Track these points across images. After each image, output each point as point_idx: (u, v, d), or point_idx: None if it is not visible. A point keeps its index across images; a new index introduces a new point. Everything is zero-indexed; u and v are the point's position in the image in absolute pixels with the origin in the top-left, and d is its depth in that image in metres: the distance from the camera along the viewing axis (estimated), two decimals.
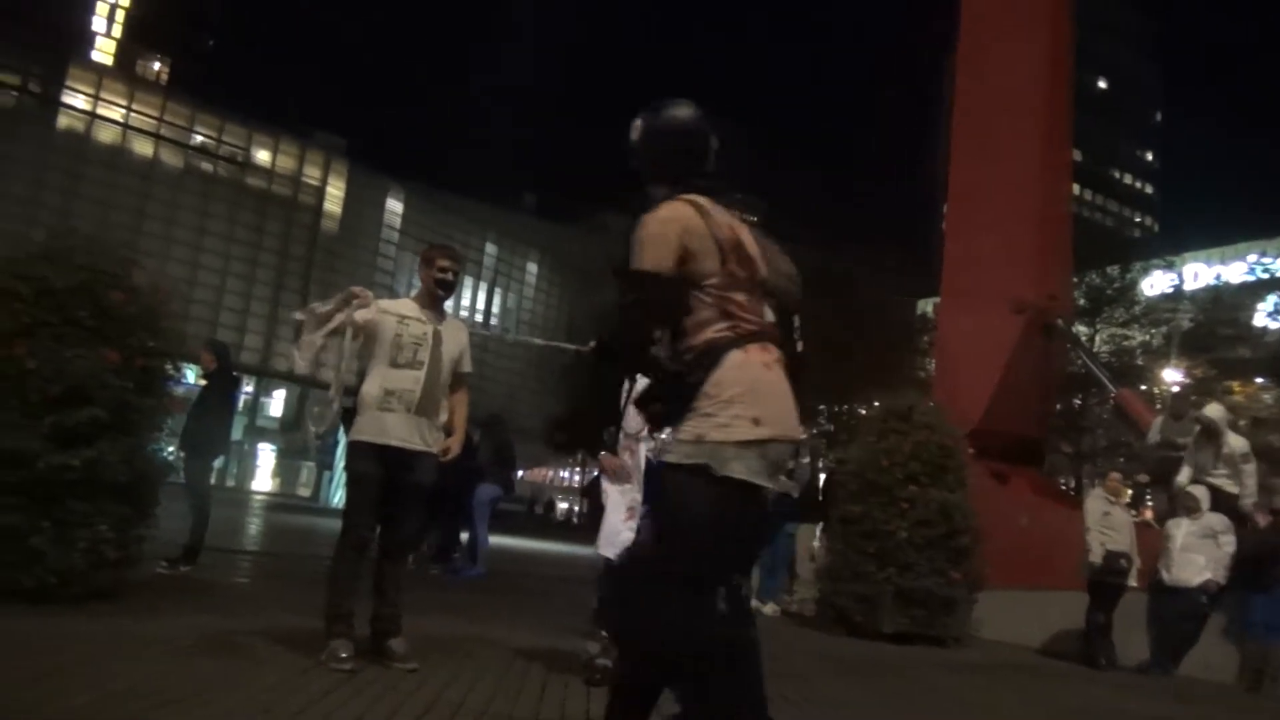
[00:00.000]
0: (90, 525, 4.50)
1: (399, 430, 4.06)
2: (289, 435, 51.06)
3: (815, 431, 34.73)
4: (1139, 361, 30.92)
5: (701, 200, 2.37)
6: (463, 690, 3.72)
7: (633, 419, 4.51)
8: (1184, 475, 8.22)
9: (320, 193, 57.26)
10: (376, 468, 4.06)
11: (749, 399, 2.23)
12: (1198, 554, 7.57)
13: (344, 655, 3.80)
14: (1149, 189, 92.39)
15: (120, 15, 71.91)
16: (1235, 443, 8.28)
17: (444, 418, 4.30)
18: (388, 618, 4.10)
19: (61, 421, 4.45)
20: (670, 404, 2.29)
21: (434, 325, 4.24)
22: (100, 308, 4.71)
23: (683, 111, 2.53)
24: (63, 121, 50.45)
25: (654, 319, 2.32)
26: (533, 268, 67.30)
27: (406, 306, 4.29)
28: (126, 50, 70.11)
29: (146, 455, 4.88)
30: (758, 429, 2.21)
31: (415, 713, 3.28)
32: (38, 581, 4.36)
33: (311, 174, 57.34)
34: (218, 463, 8.07)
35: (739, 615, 2.92)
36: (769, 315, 2.46)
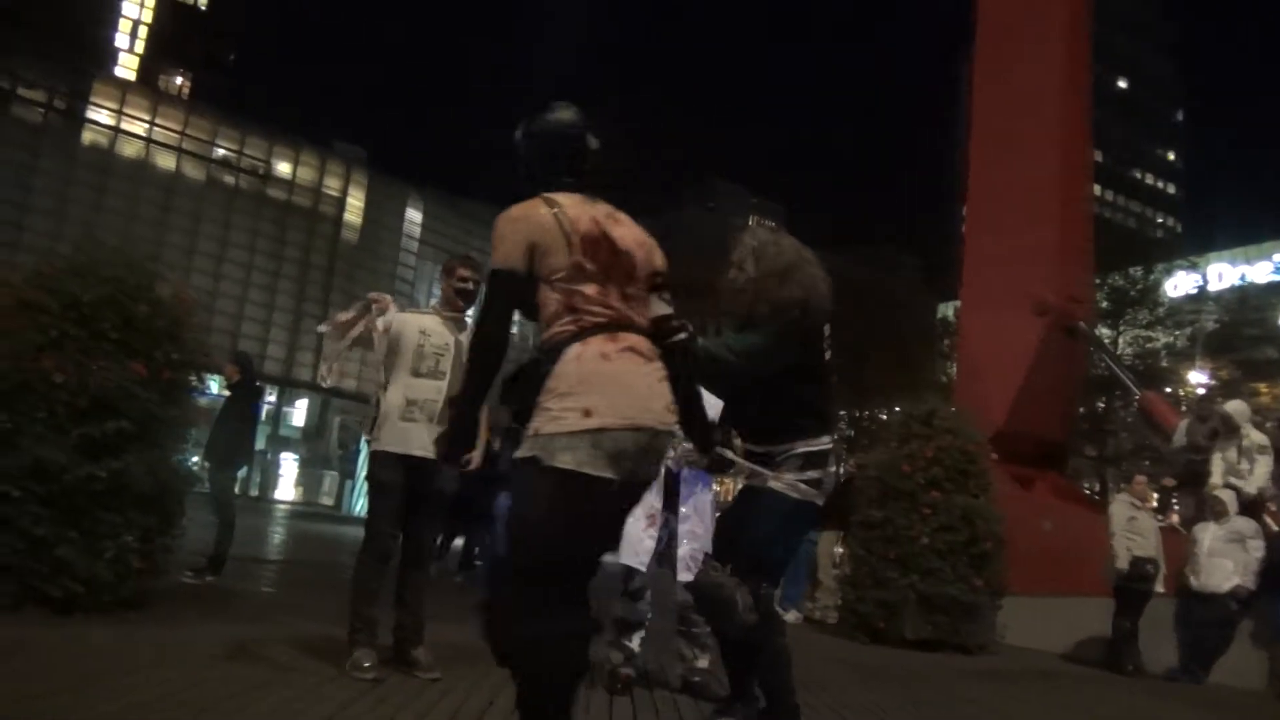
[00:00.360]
0: (116, 536, 4.55)
1: (421, 440, 4.08)
2: (311, 443, 51.42)
3: (836, 437, 34.57)
4: (1164, 363, 30.60)
5: (560, 197, 2.43)
6: (485, 699, 3.72)
7: None
8: (1217, 475, 8.12)
9: (341, 203, 57.65)
10: (399, 477, 4.08)
11: (581, 390, 2.24)
12: (1226, 559, 7.48)
13: (367, 664, 3.82)
14: (1171, 189, 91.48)
15: (143, 31, 72.87)
16: (1255, 436, 8.19)
17: None
18: (410, 626, 4.11)
19: (88, 433, 4.51)
20: (525, 399, 2.31)
21: (455, 335, 4.27)
22: (126, 320, 4.77)
23: (558, 115, 2.60)
24: (87, 137, 51.06)
25: (506, 315, 2.38)
26: None
27: (428, 317, 4.33)
28: (149, 65, 71.04)
29: (172, 466, 4.93)
30: (587, 419, 2.21)
31: None
32: (64, 591, 4.41)
33: (332, 185, 57.73)
34: (241, 472, 8.15)
35: (768, 621, 2.91)
36: (656, 308, 2.49)
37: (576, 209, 2.42)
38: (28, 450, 4.43)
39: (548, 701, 2.24)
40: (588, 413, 2.22)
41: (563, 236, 2.36)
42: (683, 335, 2.47)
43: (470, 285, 4.40)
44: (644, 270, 2.47)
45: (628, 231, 2.48)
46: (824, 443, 3.09)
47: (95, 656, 3.68)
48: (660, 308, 2.50)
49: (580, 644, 2.24)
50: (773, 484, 3.01)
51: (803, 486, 3.00)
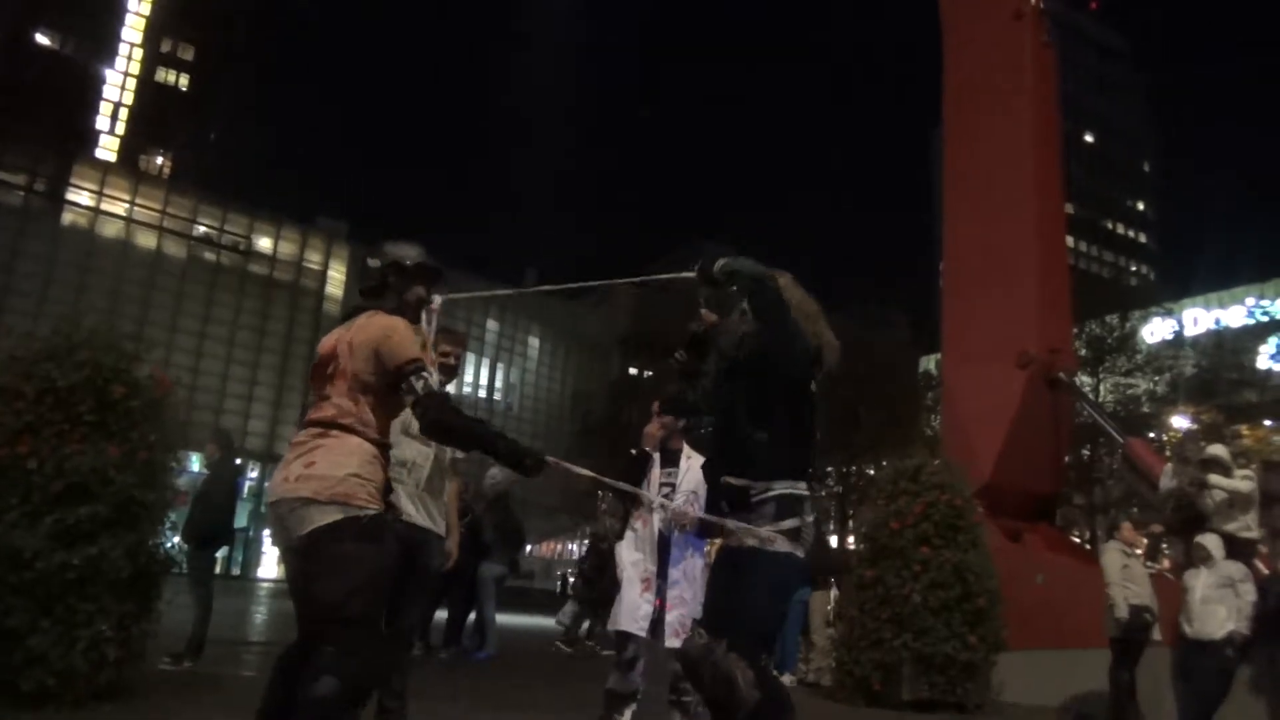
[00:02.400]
0: (91, 624, 4.44)
1: (408, 506, 3.96)
2: None
3: (823, 494, 34.48)
4: (1145, 409, 30.79)
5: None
6: None
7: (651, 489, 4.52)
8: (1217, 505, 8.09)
9: (323, 276, 57.90)
10: None
11: None
12: (1219, 605, 7.41)
13: None
14: (1143, 238, 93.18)
15: (124, 113, 73.65)
16: (1239, 477, 8.20)
17: (445, 500, 4.26)
18: (393, 710, 4.00)
19: (63, 519, 4.43)
20: None
21: None
22: (103, 402, 4.73)
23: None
24: (68, 218, 51.29)
25: None
26: (535, 342, 67.53)
27: None
28: (129, 146, 71.62)
29: (150, 549, 4.84)
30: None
31: None
32: (36, 684, 4.28)
33: (313, 259, 58.03)
34: (222, 552, 8.01)
35: (774, 698, 2.82)
36: (338, 396, 2.88)
37: (325, 339, 3.02)
38: (1, 538, 4.34)
39: None
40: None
41: None
42: (415, 409, 2.83)
43: (451, 359, 4.39)
44: (346, 366, 2.88)
45: (346, 336, 2.94)
46: (800, 488, 2.99)
47: None
48: (406, 399, 2.85)
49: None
50: (750, 542, 2.90)
51: (780, 540, 2.89)
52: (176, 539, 6.53)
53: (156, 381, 5.10)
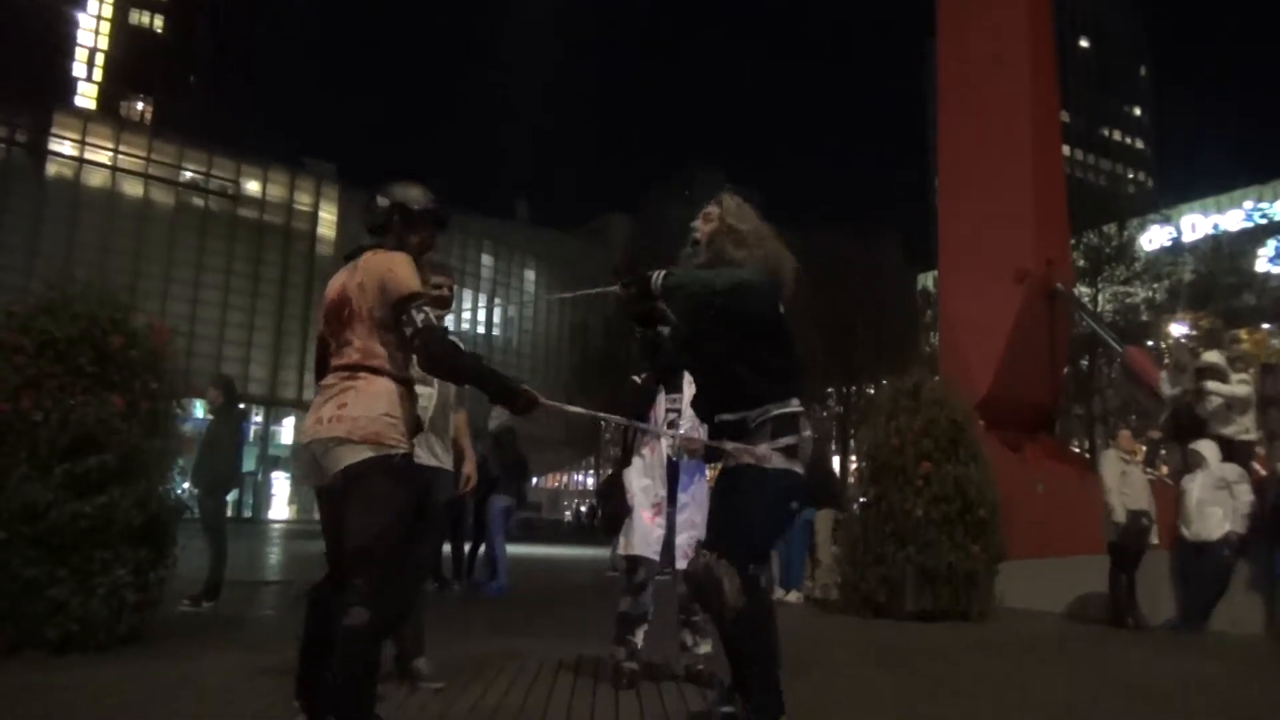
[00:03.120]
0: (108, 571, 4.52)
1: (414, 448, 4.02)
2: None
3: (824, 414, 34.72)
4: (1144, 318, 30.84)
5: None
6: (493, 704, 3.72)
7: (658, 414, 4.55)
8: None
9: (314, 218, 57.38)
10: None
11: None
12: (1215, 507, 7.55)
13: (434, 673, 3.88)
14: (1140, 144, 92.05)
15: (100, 59, 72.07)
16: (1236, 382, 8.28)
17: (452, 434, 4.31)
18: (410, 638, 4.10)
19: (72, 470, 4.47)
20: None
21: None
22: (102, 354, 4.73)
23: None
24: (52, 169, 50.60)
25: None
26: (530, 275, 67.28)
27: None
28: (109, 94, 70.31)
29: (160, 497, 4.89)
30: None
31: None
32: (60, 631, 4.38)
33: (303, 200, 57.44)
34: (231, 496, 8.10)
35: (758, 605, 2.91)
36: (360, 339, 2.90)
37: (331, 281, 3.06)
38: (13, 491, 4.39)
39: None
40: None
41: None
42: (414, 340, 2.84)
43: (445, 291, 4.38)
44: (359, 308, 2.89)
45: (355, 280, 2.94)
46: (794, 405, 3.04)
47: (99, 696, 3.64)
48: (406, 330, 2.86)
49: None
50: (748, 460, 2.97)
51: (777, 456, 2.95)
52: (186, 485, 6.61)
53: (154, 330, 5.09)
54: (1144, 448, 8.94)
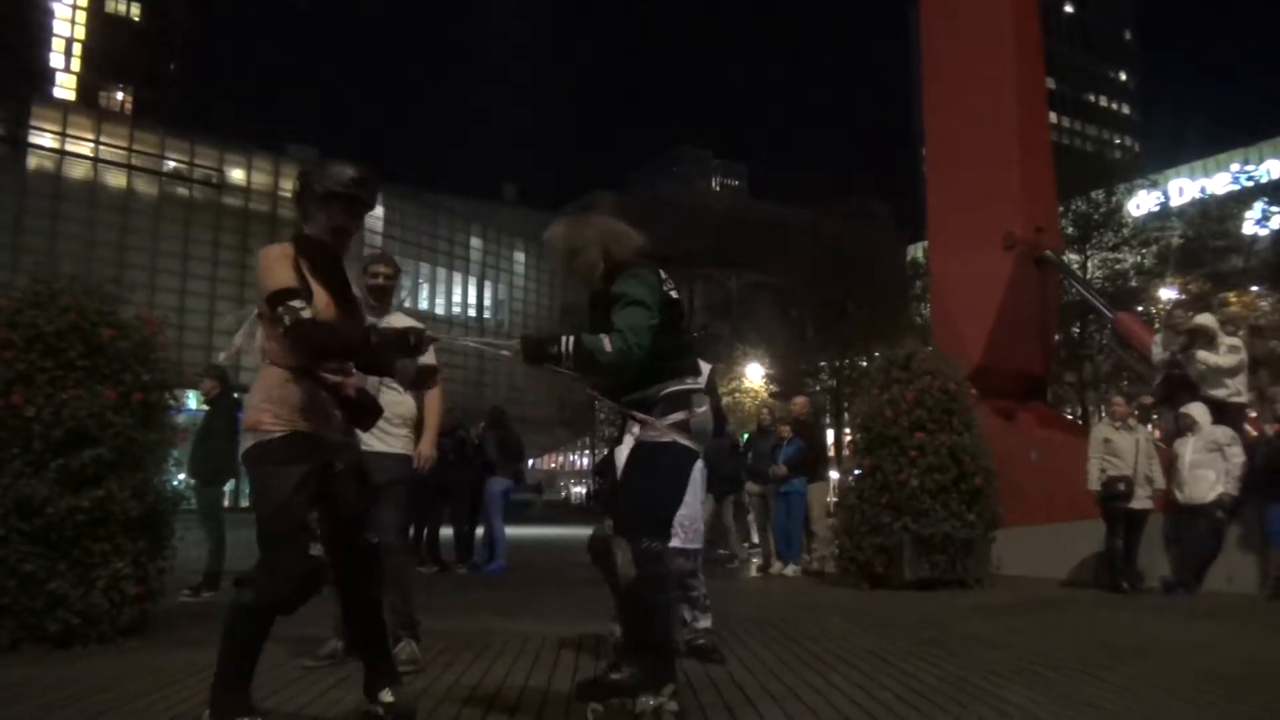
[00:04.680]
0: (108, 564, 4.53)
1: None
2: None
3: (818, 388, 34.81)
4: (1133, 283, 30.91)
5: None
6: (496, 682, 3.75)
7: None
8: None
9: None
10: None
11: None
12: (1208, 469, 7.61)
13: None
14: (1126, 109, 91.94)
15: (78, 49, 71.24)
16: (1226, 348, 8.32)
17: (404, 415, 4.35)
18: (405, 625, 4.22)
19: (67, 464, 4.47)
20: None
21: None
22: (92, 347, 4.71)
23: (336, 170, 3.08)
24: (33, 162, 50.04)
25: None
26: (520, 257, 67.02)
27: None
28: (88, 83, 69.54)
29: (156, 488, 4.89)
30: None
31: (453, 711, 3.31)
32: (62, 625, 4.39)
33: (288, 187, 56.98)
34: (229, 486, 8.10)
35: (649, 576, 3.00)
36: (265, 338, 2.96)
37: None
38: (9, 487, 4.38)
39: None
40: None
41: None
42: (279, 329, 2.86)
43: (380, 280, 4.42)
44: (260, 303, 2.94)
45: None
46: (688, 384, 3.18)
47: (103, 687, 3.65)
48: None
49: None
50: (641, 435, 3.13)
51: (667, 430, 3.08)
52: (183, 476, 6.61)
53: (144, 322, 5.06)
54: (1136, 413, 8.97)
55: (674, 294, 3.27)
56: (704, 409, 3.19)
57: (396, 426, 4.32)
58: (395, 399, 4.19)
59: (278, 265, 2.92)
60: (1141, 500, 7.81)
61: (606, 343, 3.00)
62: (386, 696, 2.98)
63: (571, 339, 3.02)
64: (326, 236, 3.04)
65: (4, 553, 4.35)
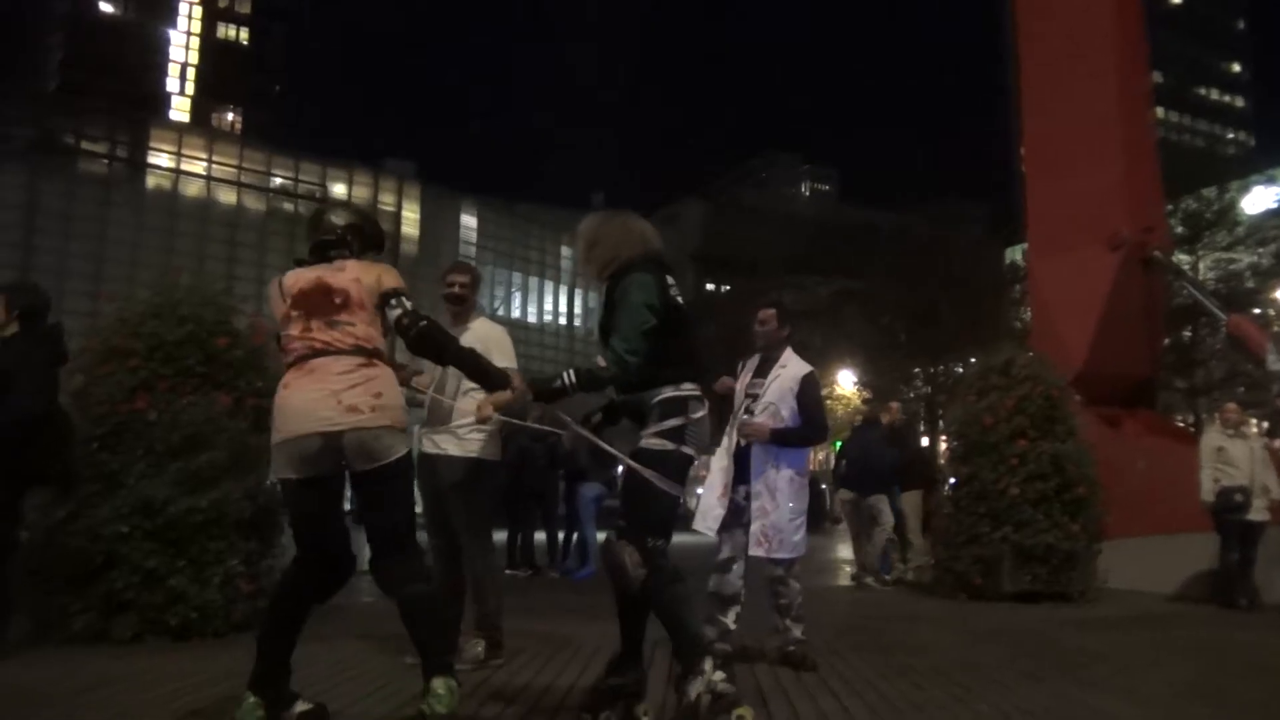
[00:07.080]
0: (222, 561, 4.76)
1: (425, 446, 4.30)
2: None
3: (912, 395, 34.07)
4: (1249, 284, 29.37)
5: (294, 269, 3.16)
6: (568, 684, 3.80)
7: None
8: None
9: (397, 217, 58.66)
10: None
11: (275, 417, 3.03)
12: None
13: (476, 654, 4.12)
14: (1240, 102, 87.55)
15: (191, 73, 74.86)
16: None
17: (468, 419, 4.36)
18: (492, 628, 4.34)
19: (185, 467, 4.71)
20: None
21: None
22: (208, 355, 4.97)
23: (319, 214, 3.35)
24: (151, 181, 52.83)
25: None
26: None
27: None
28: (200, 106, 73.01)
29: (267, 489, 5.10)
30: (275, 436, 3.01)
31: (549, 709, 3.37)
32: (180, 619, 4.63)
33: (386, 200, 58.77)
34: None
35: (657, 574, 3.07)
36: (391, 314, 3.05)
37: (295, 274, 3.12)
38: (133, 488, 4.65)
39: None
40: (276, 431, 3.01)
41: (279, 296, 3.12)
42: (403, 320, 3.03)
43: (456, 289, 4.45)
44: (360, 298, 3.02)
45: (346, 275, 3.05)
46: (685, 389, 3.19)
47: (225, 680, 3.83)
48: (393, 313, 3.06)
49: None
50: (643, 444, 3.17)
51: (658, 440, 3.12)
52: None
53: (255, 330, 5.30)
54: (1255, 421, 8.54)
55: (679, 299, 3.32)
56: (700, 414, 3.22)
57: (471, 431, 4.29)
58: (472, 405, 4.20)
59: (398, 276, 3.18)
60: (1259, 511, 7.44)
61: (601, 361, 3.16)
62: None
63: (571, 371, 3.16)
64: None
65: (127, 550, 4.60)
